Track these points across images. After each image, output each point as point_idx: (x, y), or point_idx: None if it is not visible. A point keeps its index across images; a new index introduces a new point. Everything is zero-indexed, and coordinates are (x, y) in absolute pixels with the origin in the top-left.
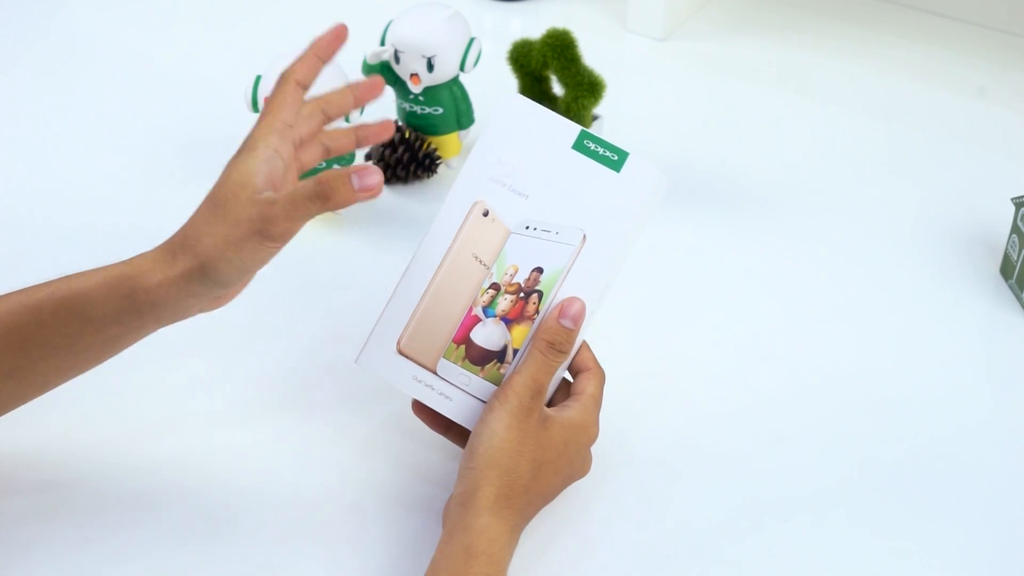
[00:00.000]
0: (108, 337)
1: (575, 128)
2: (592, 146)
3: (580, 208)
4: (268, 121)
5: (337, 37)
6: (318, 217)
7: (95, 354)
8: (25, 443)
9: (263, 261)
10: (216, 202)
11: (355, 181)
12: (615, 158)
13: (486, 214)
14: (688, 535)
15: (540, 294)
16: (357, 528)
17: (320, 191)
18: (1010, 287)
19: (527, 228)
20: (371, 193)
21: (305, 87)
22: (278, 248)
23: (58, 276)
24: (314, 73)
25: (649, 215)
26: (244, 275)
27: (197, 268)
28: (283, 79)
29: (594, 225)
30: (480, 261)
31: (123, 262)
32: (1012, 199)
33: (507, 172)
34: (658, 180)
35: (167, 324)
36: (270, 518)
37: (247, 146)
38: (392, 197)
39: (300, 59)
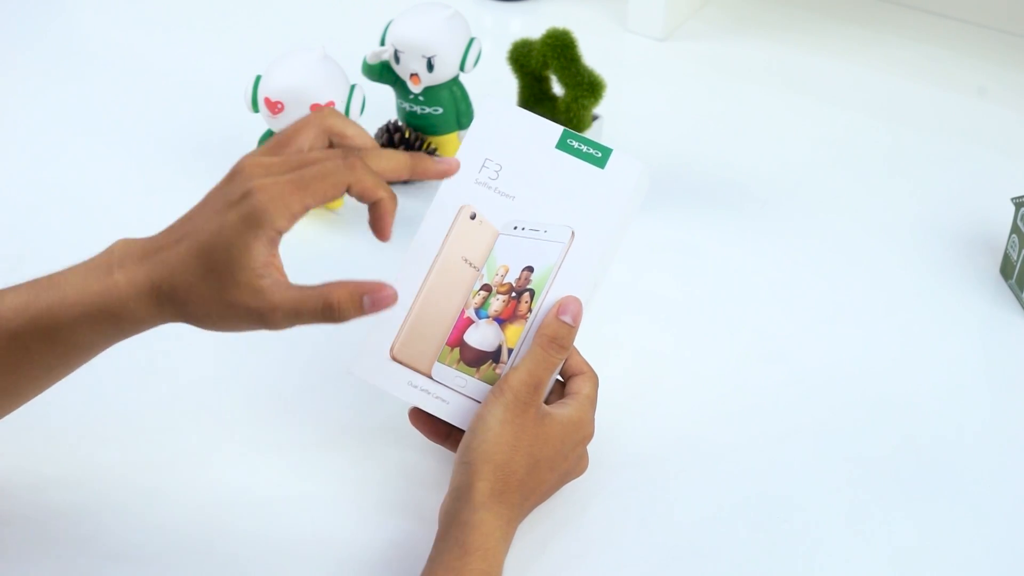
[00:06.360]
0: (97, 352)
1: (557, 128)
2: (576, 144)
3: (567, 206)
4: (290, 203)
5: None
6: (315, 217)
7: (85, 362)
8: (25, 447)
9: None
10: (211, 267)
11: (366, 303)
12: (599, 155)
13: (473, 217)
14: (687, 534)
15: (532, 293)
16: (354, 532)
17: (328, 313)
18: (1010, 287)
19: (515, 228)
20: (382, 309)
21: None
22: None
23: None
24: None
25: (635, 209)
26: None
27: (184, 321)
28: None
29: (582, 222)
30: (470, 263)
31: (103, 285)
32: (1012, 199)
33: (492, 175)
34: (642, 173)
35: None
36: (267, 521)
37: (255, 218)
38: None
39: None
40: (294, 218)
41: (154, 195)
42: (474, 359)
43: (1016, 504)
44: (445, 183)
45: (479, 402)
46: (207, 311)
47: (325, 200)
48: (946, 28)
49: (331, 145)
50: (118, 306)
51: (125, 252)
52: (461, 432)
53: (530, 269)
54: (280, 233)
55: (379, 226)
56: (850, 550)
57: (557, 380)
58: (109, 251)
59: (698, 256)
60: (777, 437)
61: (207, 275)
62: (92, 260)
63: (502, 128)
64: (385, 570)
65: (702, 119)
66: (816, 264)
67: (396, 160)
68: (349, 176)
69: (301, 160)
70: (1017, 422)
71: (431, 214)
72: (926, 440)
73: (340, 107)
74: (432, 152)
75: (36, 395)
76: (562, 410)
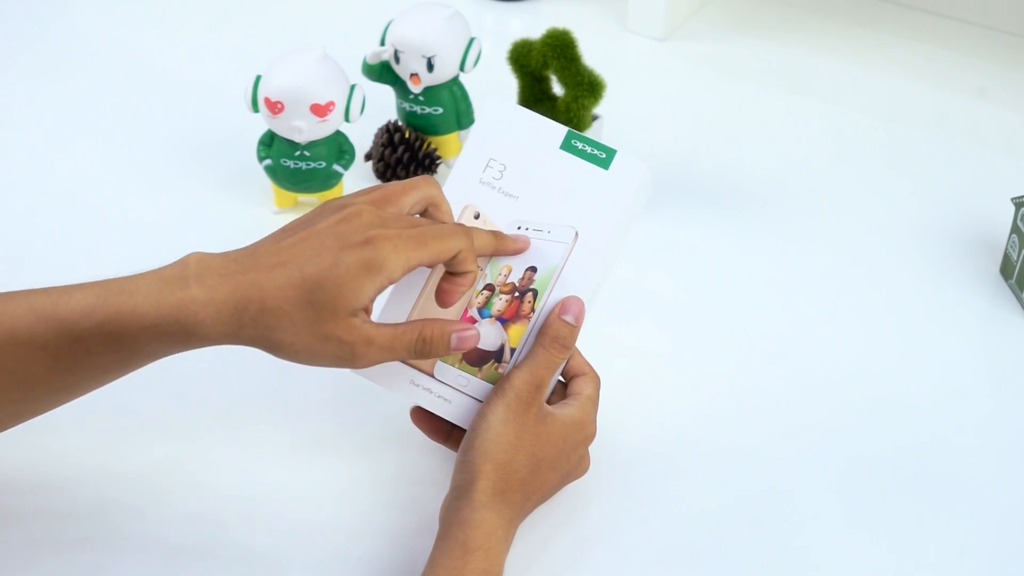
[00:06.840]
0: (156, 359)
1: (562, 128)
2: (580, 145)
3: (571, 206)
4: (409, 256)
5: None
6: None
7: (142, 366)
8: (26, 447)
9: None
10: (312, 299)
11: (454, 341)
12: (603, 156)
13: (477, 216)
14: (687, 534)
15: (535, 293)
16: (355, 532)
17: (421, 349)
18: (1010, 287)
19: (519, 228)
20: (465, 350)
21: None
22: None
23: (88, 282)
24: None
25: (638, 210)
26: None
27: (260, 346)
28: (459, 257)
29: (585, 222)
30: None
31: (178, 299)
32: (1012, 199)
33: (496, 175)
34: (645, 175)
35: None
36: (267, 519)
37: (375, 265)
38: None
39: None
40: (406, 272)
41: (154, 195)
42: (477, 358)
43: (1016, 504)
44: (449, 182)
45: (481, 401)
46: (293, 339)
47: (434, 260)
48: (946, 28)
49: (423, 213)
50: (192, 321)
51: (202, 266)
52: (462, 431)
53: (533, 269)
54: (391, 283)
55: (453, 292)
56: (850, 549)
57: (559, 381)
58: (183, 263)
59: (698, 256)
60: (778, 437)
61: (305, 306)
62: (164, 270)
63: (506, 128)
64: (385, 570)
65: (702, 119)
66: (816, 264)
67: (484, 238)
68: (465, 243)
69: (416, 221)
70: (1017, 422)
71: None
72: (926, 439)
73: (340, 107)
74: (432, 152)
75: (88, 392)
76: (564, 410)
